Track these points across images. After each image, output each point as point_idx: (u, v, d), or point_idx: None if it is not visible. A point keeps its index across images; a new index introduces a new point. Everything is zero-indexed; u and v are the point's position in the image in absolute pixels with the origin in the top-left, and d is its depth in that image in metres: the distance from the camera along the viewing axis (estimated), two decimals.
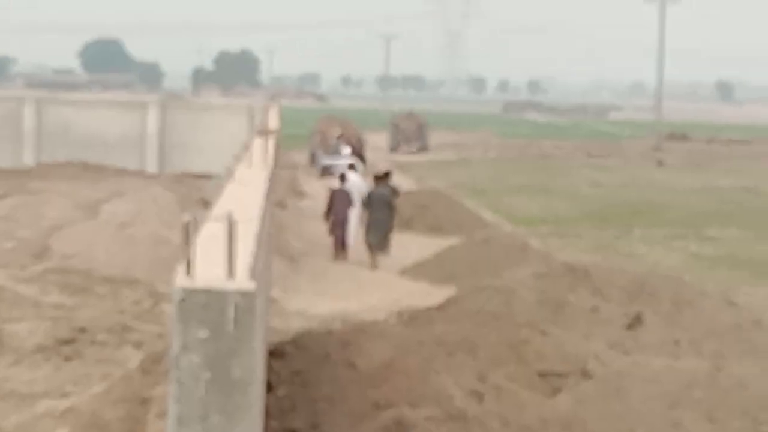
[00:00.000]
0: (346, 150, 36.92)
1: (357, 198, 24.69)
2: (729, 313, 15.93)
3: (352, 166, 27.75)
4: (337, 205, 24.28)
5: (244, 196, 8.22)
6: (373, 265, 23.38)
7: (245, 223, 5.90)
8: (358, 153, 42.26)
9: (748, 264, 24.02)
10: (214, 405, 4.57)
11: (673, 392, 12.00)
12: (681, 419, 11.58)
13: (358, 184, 25.96)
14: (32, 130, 40.35)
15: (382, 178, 25.44)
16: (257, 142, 12.77)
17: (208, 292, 4.54)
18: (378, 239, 23.68)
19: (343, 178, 25.72)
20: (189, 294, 4.53)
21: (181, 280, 4.61)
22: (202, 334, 4.54)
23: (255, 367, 4.90)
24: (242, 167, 11.08)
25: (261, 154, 11.82)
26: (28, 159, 40.05)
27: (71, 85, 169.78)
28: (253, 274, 5.16)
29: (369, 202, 24.03)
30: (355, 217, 24.42)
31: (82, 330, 15.29)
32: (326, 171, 41.42)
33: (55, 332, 14.93)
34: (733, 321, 15.62)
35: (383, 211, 23.83)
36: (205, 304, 4.54)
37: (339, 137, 44.33)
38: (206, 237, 5.50)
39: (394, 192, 25.45)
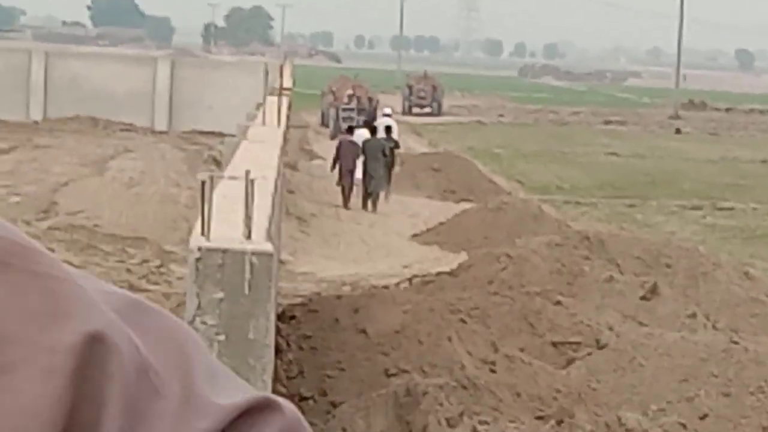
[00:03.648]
0: (387, 110, 36.66)
1: None
2: (745, 286, 15.74)
3: (368, 124, 28.64)
4: (344, 155, 25.41)
5: (258, 155, 8.01)
6: (367, 209, 25.00)
7: (260, 182, 5.69)
8: (371, 114, 41.97)
9: (764, 237, 23.82)
10: (228, 368, 4.42)
11: (687, 366, 11.82)
12: (695, 393, 11.40)
13: (365, 136, 26.79)
14: (40, 83, 40.11)
15: (386, 131, 27.59)
16: (271, 101, 12.54)
17: (225, 252, 4.36)
18: (373, 187, 25.31)
19: (351, 130, 27.36)
20: (206, 254, 4.35)
21: (197, 239, 4.41)
22: (218, 294, 4.37)
23: (269, 330, 4.72)
24: (256, 126, 10.88)
25: (275, 114, 11.61)
26: (36, 113, 39.82)
27: (80, 38, 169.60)
28: (269, 235, 4.96)
29: (364, 151, 25.58)
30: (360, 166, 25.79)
31: None
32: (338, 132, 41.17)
33: None
34: (749, 294, 15.43)
35: (379, 159, 25.48)
36: (221, 265, 4.36)
37: (350, 96, 44.04)
38: (221, 196, 5.30)
39: (396, 144, 27.45)
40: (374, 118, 39.52)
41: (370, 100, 44.75)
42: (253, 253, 4.42)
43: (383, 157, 25.67)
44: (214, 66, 45.31)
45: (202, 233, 4.46)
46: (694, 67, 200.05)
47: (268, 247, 4.51)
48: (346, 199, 25.30)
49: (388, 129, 28.09)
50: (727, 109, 79.25)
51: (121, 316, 0.93)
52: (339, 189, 25.53)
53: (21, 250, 0.91)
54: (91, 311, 0.91)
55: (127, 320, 0.93)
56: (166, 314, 0.96)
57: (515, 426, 10.52)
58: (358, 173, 25.49)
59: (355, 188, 25.62)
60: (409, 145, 39.14)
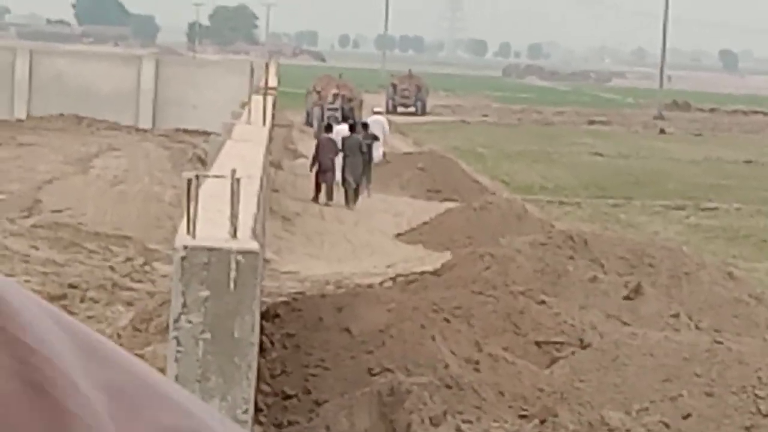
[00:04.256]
0: (378, 109, 36.89)
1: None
2: (728, 287, 15.78)
3: (347, 121, 29.22)
4: (322, 152, 25.90)
5: (244, 153, 8.03)
6: (349, 206, 25.26)
7: (246, 181, 5.70)
8: (350, 113, 41.98)
9: (747, 238, 23.89)
10: (213, 366, 4.44)
11: (670, 365, 11.85)
12: (678, 393, 11.43)
13: (344, 133, 27.29)
14: (24, 81, 40.03)
15: (362, 128, 28.18)
16: (256, 100, 12.54)
17: (211, 251, 4.37)
18: (352, 181, 25.71)
19: (329, 127, 27.87)
20: (191, 252, 4.35)
21: (182, 237, 4.42)
22: (203, 293, 4.37)
23: (254, 329, 4.73)
24: (241, 125, 10.89)
25: (260, 113, 11.61)
26: (20, 111, 39.74)
27: (65, 36, 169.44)
28: (255, 233, 4.98)
29: (343, 147, 26.11)
30: (338, 162, 26.21)
31: (72, 286, 15.12)
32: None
33: (44, 288, 14.75)
34: (732, 295, 15.48)
35: (357, 155, 25.93)
36: (207, 263, 4.36)
37: (335, 96, 44.01)
38: (207, 195, 5.30)
39: (375, 139, 27.99)
40: (353, 117, 39.62)
41: (350, 100, 44.66)
42: (238, 252, 4.43)
43: (361, 153, 26.09)
44: (199, 65, 45.31)
45: (188, 232, 4.47)
46: (679, 67, 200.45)
47: (254, 245, 4.52)
48: (328, 195, 25.68)
49: (365, 125, 28.50)
50: (711, 110, 79.48)
51: None
52: (316, 186, 26.01)
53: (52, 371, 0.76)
54: None
55: None
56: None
57: (499, 425, 10.54)
58: (339, 169, 25.88)
59: (334, 185, 25.96)
60: (394, 144, 39.12)
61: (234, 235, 4.55)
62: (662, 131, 57.58)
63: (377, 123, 31.04)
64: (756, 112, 79.57)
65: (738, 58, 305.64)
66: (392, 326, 12.17)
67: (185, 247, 4.41)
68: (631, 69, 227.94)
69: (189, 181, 4.53)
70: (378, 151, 29.00)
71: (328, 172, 25.74)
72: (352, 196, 25.72)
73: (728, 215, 27.12)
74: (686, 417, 10.93)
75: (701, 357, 11.84)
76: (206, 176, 5.64)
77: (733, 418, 11.00)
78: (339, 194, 25.94)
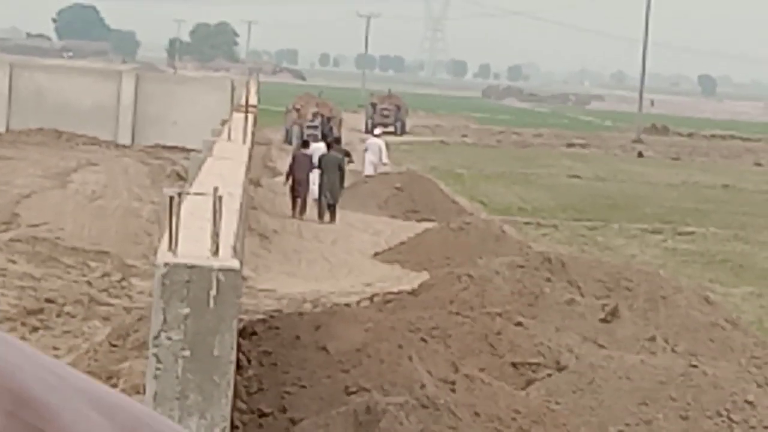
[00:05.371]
0: (377, 131, 37.17)
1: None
2: (704, 311, 15.83)
3: (325, 139, 29.68)
4: (297, 167, 26.31)
5: (224, 171, 8.04)
6: (324, 221, 25.64)
7: (227, 199, 5.71)
8: (332, 132, 42.11)
9: (724, 262, 23.98)
10: (192, 384, 4.44)
11: (646, 389, 11.90)
12: (653, 416, 11.48)
13: (320, 150, 27.66)
14: (4, 95, 39.95)
15: (334, 143, 28.79)
16: (237, 118, 12.56)
17: (192, 268, 4.38)
18: (330, 198, 25.98)
19: (305, 144, 28.44)
20: (172, 269, 4.36)
21: (164, 254, 4.43)
22: (184, 310, 4.38)
23: (234, 347, 4.74)
24: (222, 142, 10.91)
25: (241, 130, 11.63)
26: None
27: (45, 50, 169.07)
28: (235, 251, 4.99)
29: (320, 164, 26.39)
30: (313, 178, 26.56)
31: (49, 301, 15.07)
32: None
33: (21, 302, 14.70)
34: (708, 319, 15.54)
35: (335, 173, 26.16)
36: (188, 280, 4.37)
37: (315, 114, 44.13)
38: (187, 212, 5.31)
39: (347, 154, 28.53)
40: (332, 135, 39.73)
41: (329, 118, 44.76)
42: (219, 270, 4.44)
43: (339, 170, 26.39)
44: (179, 81, 45.31)
45: (169, 248, 4.47)
46: (657, 91, 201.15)
47: (235, 263, 4.53)
48: (301, 209, 26.07)
49: (338, 140, 29.23)
50: (690, 134, 79.91)
51: None
52: (292, 201, 26.26)
53: None
54: None
55: None
56: None
57: None
58: (315, 185, 26.13)
59: (309, 200, 26.27)
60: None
61: (215, 252, 4.56)
62: (640, 155, 57.83)
63: (375, 146, 31.92)
64: (734, 137, 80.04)
65: (716, 83, 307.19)
66: (369, 345, 12.17)
67: (166, 264, 4.42)
68: (611, 92, 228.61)
69: (171, 197, 4.54)
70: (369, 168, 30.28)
71: (302, 187, 26.06)
72: (328, 212, 25.89)
73: (705, 240, 27.23)
74: None
75: (677, 381, 11.89)
76: (188, 193, 5.65)
77: None
78: (313, 210, 26.09)
